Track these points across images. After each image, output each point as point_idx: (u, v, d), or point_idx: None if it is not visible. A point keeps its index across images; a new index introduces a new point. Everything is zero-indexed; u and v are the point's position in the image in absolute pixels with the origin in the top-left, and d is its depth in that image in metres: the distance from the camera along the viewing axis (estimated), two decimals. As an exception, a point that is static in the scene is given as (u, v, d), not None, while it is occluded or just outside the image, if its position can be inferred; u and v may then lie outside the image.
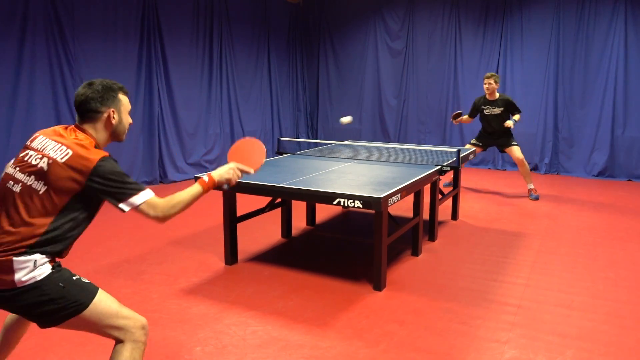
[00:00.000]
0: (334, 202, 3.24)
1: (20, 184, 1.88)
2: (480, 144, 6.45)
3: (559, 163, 8.15)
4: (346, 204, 3.22)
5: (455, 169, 4.63)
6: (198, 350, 2.71)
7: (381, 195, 3.15)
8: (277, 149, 5.41)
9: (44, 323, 1.86)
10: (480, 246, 4.47)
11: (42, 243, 1.82)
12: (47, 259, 1.84)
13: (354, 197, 3.19)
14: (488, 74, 6.16)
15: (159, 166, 7.25)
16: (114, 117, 2.02)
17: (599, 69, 7.70)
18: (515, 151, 6.20)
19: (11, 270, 1.76)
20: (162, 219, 1.99)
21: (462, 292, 3.48)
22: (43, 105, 5.69)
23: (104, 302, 1.92)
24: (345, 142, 6.13)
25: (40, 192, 1.85)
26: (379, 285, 3.49)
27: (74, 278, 1.89)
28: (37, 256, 1.80)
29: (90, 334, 2.82)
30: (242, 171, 2.24)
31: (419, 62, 9.14)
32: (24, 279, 1.77)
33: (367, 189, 3.37)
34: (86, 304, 1.86)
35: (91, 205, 1.94)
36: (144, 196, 1.95)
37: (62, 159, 1.87)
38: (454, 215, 5.35)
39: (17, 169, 1.92)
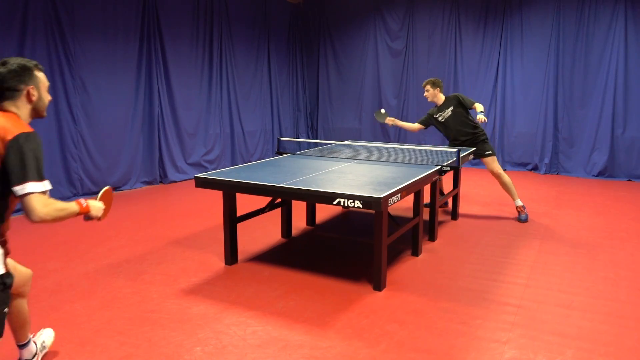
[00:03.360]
0: (334, 202, 3.24)
1: None
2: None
3: (559, 163, 8.15)
4: (346, 204, 3.22)
5: (455, 169, 4.63)
6: (198, 350, 2.71)
7: (381, 195, 3.15)
8: (277, 149, 5.41)
9: None
10: (480, 246, 4.47)
11: None
12: None
13: (354, 197, 3.19)
14: (424, 83, 5.52)
15: (159, 166, 7.25)
16: (33, 94, 2.09)
17: (599, 69, 7.70)
18: (490, 162, 5.37)
19: None
20: (42, 219, 1.92)
21: (462, 292, 3.48)
22: (43, 105, 5.68)
23: None
24: (345, 142, 6.13)
25: None
26: (379, 285, 3.49)
27: None
28: None
29: (90, 335, 2.81)
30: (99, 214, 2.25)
31: (419, 62, 9.15)
32: None
33: (367, 189, 3.37)
34: None
35: (3, 184, 1.92)
36: (41, 188, 1.92)
37: None
38: (454, 215, 5.35)
39: None
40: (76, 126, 6.08)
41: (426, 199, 5.42)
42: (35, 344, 2.58)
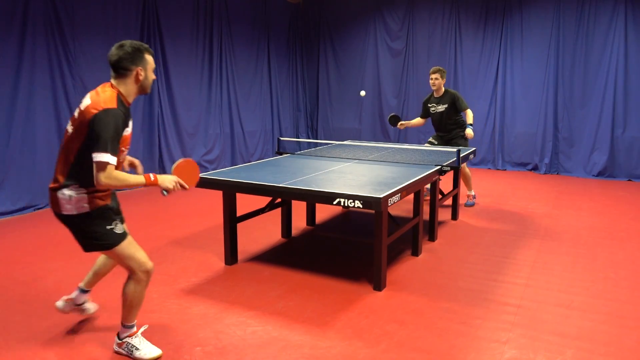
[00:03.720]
0: (334, 202, 3.24)
1: (68, 133, 2.38)
2: (436, 143, 5.85)
3: (559, 163, 8.15)
4: (346, 204, 3.22)
5: (455, 169, 4.63)
6: (198, 350, 2.71)
7: (381, 195, 3.15)
8: (277, 149, 5.41)
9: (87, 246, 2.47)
10: (480, 246, 4.47)
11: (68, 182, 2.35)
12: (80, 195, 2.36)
13: (354, 197, 3.19)
14: (433, 69, 5.61)
15: (159, 166, 7.25)
16: (141, 74, 2.43)
17: (599, 69, 7.70)
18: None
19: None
20: (103, 185, 2.29)
21: (462, 292, 3.48)
22: (43, 105, 5.69)
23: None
24: (345, 142, 6.13)
25: (70, 134, 2.35)
26: (379, 285, 3.49)
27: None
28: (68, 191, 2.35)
29: (90, 335, 2.82)
30: (181, 186, 2.60)
31: (419, 62, 9.14)
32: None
33: (367, 189, 3.37)
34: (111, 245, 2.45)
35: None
36: (107, 159, 2.26)
37: (83, 106, 2.33)
38: (454, 215, 5.35)
39: (69, 122, 2.40)
40: (76, 126, 6.08)
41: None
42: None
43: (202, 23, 7.76)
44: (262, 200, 5.35)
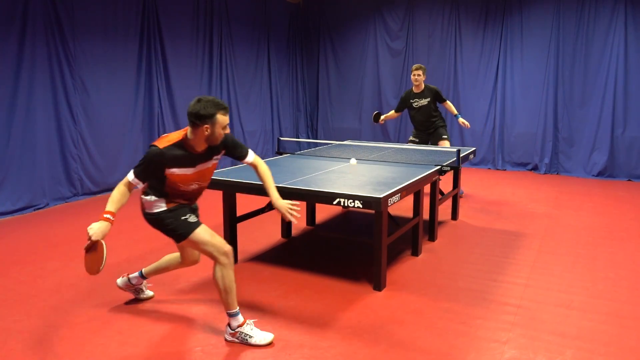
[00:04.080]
0: (334, 202, 3.24)
1: None
2: (417, 140, 6.21)
3: (559, 163, 8.15)
4: (346, 204, 3.22)
5: (455, 169, 4.63)
6: (198, 350, 2.71)
7: (381, 195, 3.15)
8: (277, 149, 5.41)
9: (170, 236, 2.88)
10: (480, 246, 4.47)
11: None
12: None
13: (354, 197, 3.19)
14: (416, 66, 6.00)
15: (159, 166, 7.24)
16: (206, 130, 2.69)
17: (599, 69, 7.70)
18: (444, 144, 6.01)
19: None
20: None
21: (462, 292, 3.48)
22: (43, 105, 5.69)
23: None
24: (345, 142, 6.13)
25: None
26: (379, 285, 3.49)
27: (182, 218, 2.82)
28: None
29: (90, 335, 2.82)
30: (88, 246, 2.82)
31: (419, 62, 9.13)
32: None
33: (367, 189, 3.37)
34: (187, 232, 2.80)
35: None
36: (129, 175, 2.81)
37: None
38: (454, 215, 5.35)
39: None
40: (76, 126, 6.08)
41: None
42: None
43: (202, 23, 7.76)
44: (262, 200, 5.34)
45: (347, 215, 5.55)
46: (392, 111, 6.38)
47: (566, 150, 8.08)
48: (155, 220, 2.92)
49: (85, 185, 6.21)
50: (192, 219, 2.85)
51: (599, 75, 7.70)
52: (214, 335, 2.87)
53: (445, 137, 6.10)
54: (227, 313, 2.79)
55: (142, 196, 2.94)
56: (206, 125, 2.67)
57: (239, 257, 4.11)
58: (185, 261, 3.19)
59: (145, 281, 3.30)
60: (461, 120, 6.01)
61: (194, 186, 2.90)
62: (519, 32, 8.23)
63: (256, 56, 8.94)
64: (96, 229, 2.68)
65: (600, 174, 7.76)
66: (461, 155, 4.79)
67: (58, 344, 2.75)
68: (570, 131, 8.03)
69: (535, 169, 8.30)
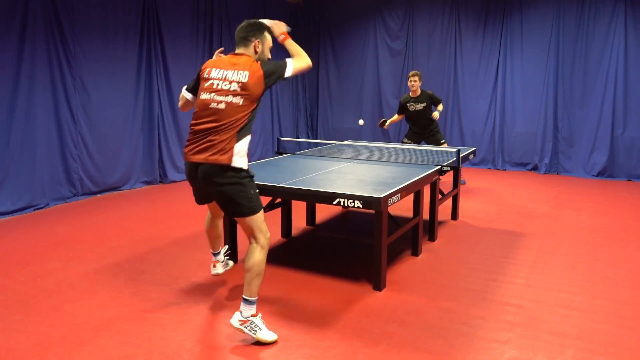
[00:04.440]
0: (334, 202, 3.24)
1: (224, 103, 2.69)
2: (411, 142, 6.69)
3: (559, 163, 8.15)
4: (346, 204, 3.22)
5: (455, 169, 4.63)
6: (198, 350, 2.71)
7: (381, 195, 3.15)
8: (277, 149, 5.41)
9: (232, 213, 2.78)
10: (480, 246, 4.47)
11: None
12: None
13: (354, 197, 3.19)
14: (413, 72, 6.46)
15: (159, 166, 7.25)
16: (258, 47, 2.84)
17: (599, 69, 7.70)
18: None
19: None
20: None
21: (462, 292, 3.48)
22: (43, 105, 5.69)
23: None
24: (345, 142, 6.13)
25: (239, 105, 2.70)
26: (379, 285, 3.49)
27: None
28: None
29: (90, 335, 2.82)
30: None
31: (419, 62, 9.14)
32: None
33: (367, 189, 3.37)
34: (254, 210, 2.76)
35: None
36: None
37: (245, 79, 2.70)
38: (454, 215, 5.35)
39: (214, 94, 2.71)
40: (76, 126, 6.08)
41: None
42: (222, 254, 3.48)
43: (202, 23, 7.76)
44: (262, 200, 5.34)
45: (347, 215, 5.55)
46: (396, 115, 6.79)
47: (566, 150, 8.08)
48: (238, 183, 2.70)
49: (85, 185, 6.21)
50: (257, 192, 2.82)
51: (599, 75, 7.70)
52: (214, 335, 2.87)
53: (443, 141, 6.60)
54: (245, 299, 2.72)
55: (229, 145, 2.66)
56: (257, 40, 2.82)
57: (239, 257, 4.11)
58: (216, 218, 3.29)
59: (221, 253, 3.45)
60: (435, 113, 6.38)
61: None
62: (519, 32, 8.23)
63: (256, 56, 8.93)
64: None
65: (600, 174, 7.77)
66: (461, 155, 4.79)
67: (58, 344, 2.75)
68: (570, 131, 8.03)
69: (535, 169, 8.30)
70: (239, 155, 2.70)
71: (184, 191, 6.73)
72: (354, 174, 4.00)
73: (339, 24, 9.87)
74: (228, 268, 3.53)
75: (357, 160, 4.73)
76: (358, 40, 9.70)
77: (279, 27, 3.03)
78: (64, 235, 4.75)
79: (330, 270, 3.87)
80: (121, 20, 6.50)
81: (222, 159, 2.65)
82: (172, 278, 3.70)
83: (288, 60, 2.86)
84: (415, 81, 6.41)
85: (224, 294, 3.44)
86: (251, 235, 2.77)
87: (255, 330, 2.74)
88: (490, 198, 6.36)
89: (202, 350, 2.71)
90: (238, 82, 2.70)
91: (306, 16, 10.15)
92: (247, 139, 2.76)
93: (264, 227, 2.79)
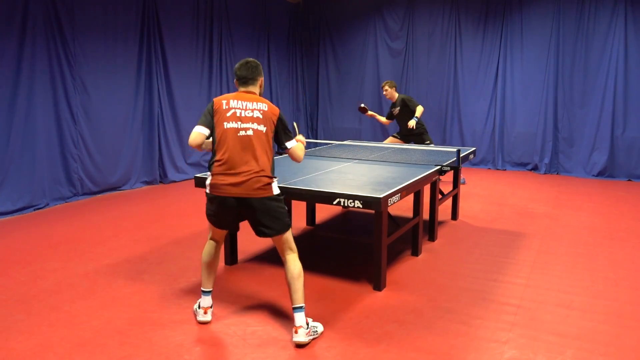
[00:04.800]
0: (334, 202, 3.24)
1: (251, 130, 2.81)
2: (399, 137, 6.92)
3: (559, 163, 8.15)
4: (346, 204, 3.22)
5: (455, 169, 4.63)
6: (198, 350, 2.71)
7: (381, 195, 3.15)
8: (277, 149, 5.41)
9: (271, 230, 2.85)
10: (480, 246, 4.47)
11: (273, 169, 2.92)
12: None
13: (354, 197, 3.19)
14: (384, 82, 6.78)
15: (159, 166, 7.25)
16: (262, 83, 3.04)
17: (599, 69, 7.70)
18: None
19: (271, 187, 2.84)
20: (301, 159, 3.11)
21: (462, 292, 3.48)
22: (43, 105, 5.69)
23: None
24: (345, 142, 6.13)
25: (263, 132, 2.85)
26: (379, 285, 3.49)
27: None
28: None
29: (90, 335, 2.82)
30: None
31: (419, 62, 9.15)
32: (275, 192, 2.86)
33: (367, 189, 3.37)
34: (290, 226, 2.91)
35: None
36: (295, 143, 3.05)
37: (265, 108, 2.88)
38: (454, 215, 5.35)
39: (239, 122, 2.81)
40: (76, 126, 6.08)
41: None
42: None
43: (202, 23, 7.76)
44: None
45: (347, 215, 5.55)
46: (384, 117, 6.96)
47: (566, 150, 8.08)
48: (278, 202, 2.87)
49: (85, 185, 6.21)
50: None
51: (599, 75, 7.70)
52: (214, 335, 2.87)
53: (429, 142, 6.74)
54: (298, 308, 2.77)
55: (267, 174, 2.81)
56: (261, 78, 3.00)
57: (239, 257, 4.11)
58: (219, 246, 3.10)
59: (210, 298, 3.06)
60: (411, 121, 6.39)
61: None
62: (519, 32, 8.24)
63: (256, 56, 8.93)
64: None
65: (600, 174, 7.77)
66: (461, 155, 4.79)
67: (58, 344, 2.75)
68: (570, 131, 8.03)
69: (535, 169, 8.30)
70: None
71: (184, 191, 6.73)
72: (354, 174, 4.00)
73: (339, 24, 9.87)
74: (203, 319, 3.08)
75: (357, 160, 4.73)
76: (358, 40, 9.70)
77: (302, 138, 3.24)
78: (64, 235, 4.75)
79: (330, 270, 3.87)
80: (121, 20, 6.50)
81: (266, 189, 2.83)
82: (172, 278, 3.70)
83: (294, 141, 3.04)
84: (385, 90, 6.73)
85: (224, 294, 3.44)
86: (287, 248, 2.89)
87: (317, 331, 2.86)
88: (490, 198, 6.36)
89: (202, 350, 2.71)
90: (260, 110, 2.88)
91: (306, 16, 10.15)
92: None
93: (293, 240, 2.94)
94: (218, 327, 2.96)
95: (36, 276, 3.72)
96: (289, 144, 2.96)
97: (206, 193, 2.89)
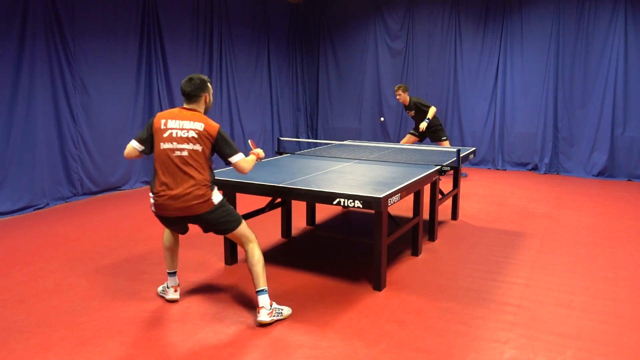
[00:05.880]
0: (334, 202, 3.24)
1: (186, 150, 2.93)
2: (417, 134, 7.37)
3: (559, 163, 8.15)
4: (346, 204, 3.22)
5: (455, 169, 4.63)
6: (198, 350, 2.71)
7: (381, 195, 3.15)
8: (277, 149, 5.41)
9: (223, 231, 3.06)
10: (480, 246, 4.47)
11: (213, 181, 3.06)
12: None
13: (354, 197, 3.19)
14: (396, 87, 7.09)
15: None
16: (207, 99, 3.11)
17: (599, 69, 7.70)
18: (444, 145, 7.13)
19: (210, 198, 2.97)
20: (248, 172, 3.17)
21: (462, 292, 3.48)
22: (43, 105, 5.69)
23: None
24: (345, 142, 6.13)
25: (199, 151, 2.95)
26: (379, 285, 3.49)
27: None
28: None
29: (90, 335, 2.83)
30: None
31: (419, 62, 9.14)
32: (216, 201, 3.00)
33: (367, 189, 3.37)
34: (240, 221, 3.09)
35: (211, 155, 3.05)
36: (241, 157, 3.08)
37: (201, 128, 2.96)
38: (454, 215, 5.35)
39: (175, 142, 2.93)
40: (76, 126, 6.08)
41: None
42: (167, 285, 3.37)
43: (202, 23, 7.76)
44: (262, 200, 5.36)
45: (347, 215, 5.55)
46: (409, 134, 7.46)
47: (566, 150, 8.08)
48: (220, 209, 3.02)
49: (85, 185, 6.21)
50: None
51: (599, 75, 7.70)
52: (214, 335, 2.87)
53: (445, 138, 7.17)
54: (261, 290, 2.97)
55: (205, 190, 2.95)
56: (207, 94, 3.06)
57: (239, 257, 4.11)
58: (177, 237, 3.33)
59: (176, 277, 3.34)
60: (422, 124, 6.97)
61: None
62: (519, 32, 8.23)
63: (256, 56, 8.94)
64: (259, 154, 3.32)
65: (600, 174, 7.77)
66: (461, 155, 4.79)
67: (58, 344, 2.75)
68: (570, 131, 8.03)
69: (535, 169, 8.30)
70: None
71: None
72: (354, 174, 4.00)
73: (339, 24, 9.87)
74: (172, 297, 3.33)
75: (357, 160, 4.73)
76: (358, 40, 9.70)
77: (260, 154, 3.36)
78: (64, 235, 4.75)
79: (330, 270, 3.87)
80: (121, 20, 6.50)
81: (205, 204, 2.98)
82: (172, 278, 3.70)
83: (240, 155, 3.08)
84: (399, 95, 7.05)
85: (224, 294, 3.44)
86: (245, 240, 3.08)
87: (281, 312, 3.03)
88: (490, 198, 6.36)
89: (202, 350, 2.71)
90: (195, 130, 2.96)
91: (306, 16, 10.15)
92: None
93: (248, 231, 3.11)
94: (218, 327, 2.96)
95: (36, 276, 3.72)
96: (232, 159, 3.03)
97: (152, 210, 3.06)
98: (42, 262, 4.01)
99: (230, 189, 3.72)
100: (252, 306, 3.23)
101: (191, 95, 3.02)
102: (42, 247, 4.40)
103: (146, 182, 7.07)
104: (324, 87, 10.16)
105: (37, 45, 5.58)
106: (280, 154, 5.14)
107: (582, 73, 7.82)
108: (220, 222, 3.01)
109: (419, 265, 4.00)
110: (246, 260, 3.06)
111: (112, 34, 6.40)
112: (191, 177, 2.91)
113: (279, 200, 4.49)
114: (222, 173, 3.95)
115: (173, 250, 3.29)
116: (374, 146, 5.84)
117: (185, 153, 2.92)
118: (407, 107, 7.23)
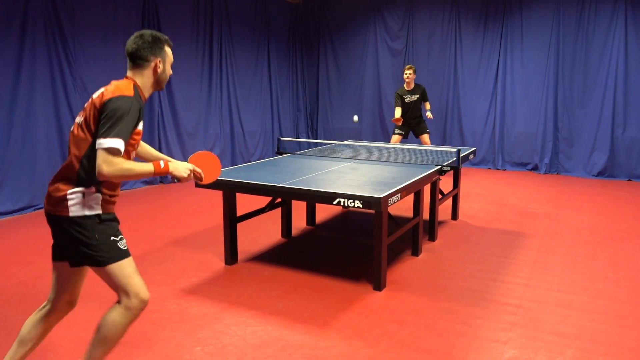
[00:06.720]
0: (334, 202, 3.24)
1: (74, 125, 2.12)
2: (402, 133, 7.24)
3: (559, 163, 8.15)
4: (346, 204, 3.22)
5: (455, 169, 4.63)
6: (198, 350, 2.71)
7: (381, 195, 3.15)
8: (277, 149, 5.41)
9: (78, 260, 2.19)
10: (480, 246, 4.47)
11: (80, 177, 2.07)
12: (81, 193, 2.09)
13: (354, 197, 3.19)
14: (408, 66, 7.00)
15: (159, 166, 7.23)
16: (159, 66, 2.18)
17: (599, 69, 7.70)
18: (426, 138, 7.24)
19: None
20: (106, 175, 1.96)
21: (462, 292, 3.48)
22: (43, 105, 5.68)
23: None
24: (345, 142, 6.13)
25: (80, 124, 2.06)
26: (379, 285, 3.49)
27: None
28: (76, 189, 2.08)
29: (90, 335, 2.83)
30: (195, 175, 2.30)
31: (419, 62, 9.14)
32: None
33: (367, 189, 3.37)
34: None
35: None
36: (118, 144, 1.95)
37: (95, 95, 2.07)
38: (454, 215, 5.35)
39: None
40: (76, 126, 6.08)
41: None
42: None
43: (202, 23, 7.76)
44: (262, 200, 5.35)
45: (347, 215, 5.55)
46: (398, 109, 7.00)
47: (566, 150, 8.08)
48: (75, 228, 2.12)
49: (85, 185, 6.20)
50: (122, 244, 2.14)
51: (599, 75, 7.69)
52: (214, 335, 2.87)
53: (428, 130, 7.30)
54: None
55: (60, 186, 2.09)
56: (158, 59, 2.16)
57: (239, 257, 4.12)
58: (60, 306, 2.28)
59: None
60: (430, 114, 7.13)
61: (133, 154, 2.22)
62: (519, 32, 8.23)
63: (256, 56, 8.94)
64: (181, 169, 2.22)
65: (600, 174, 7.77)
66: (461, 155, 4.78)
67: (58, 344, 2.75)
68: (570, 131, 8.03)
69: (535, 168, 8.30)
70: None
71: (184, 191, 6.73)
72: (354, 174, 4.00)
73: (339, 24, 9.87)
74: None
75: (357, 160, 4.73)
76: (358, 40, 9.70)
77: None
78: (64, 235, 4.75)
79: (330, 270, 3.87)
80: (121, 20, 6.50)
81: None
82: (172, 278, 3.70)
83: (117, 142, 1.95)
84: (410, 74, 6.90)
85: (224, 293, 3.44)
86: (115, 289, 2.18)
87: None
88: (490, 198, 6.36)
89: (202, 350, 2.71)
90: (91, 98, 2.12)
91: (306, 16, 10.15)
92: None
93: (138, 282, 2.16)
94: (218, 327, 2.96)
95: (36, 276, 3.72)
96: (100, 141, 1.93)
97: None
98: (42, 262, 4.01)
99: (230, 189, 3.72)
100: (252, 306, 3.23)
101: (134, 57, 2.13)
102: (42, 247, 4.40)
103: (146, 182, 7.07)
104: (324, 87, 10.16)
105: (37, 45, 5.57)
106: (280, 154, 5.14)
107: (582, 73, 7.82)
108: (71, 244, 2.23)
109: (419, 265, 4.00)
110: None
111: (112, 34, 6.40)
112: (65, 162, 2.12)
113: (279, 200, 4.49)
114: (222, 173, 3.95)
115: (27, 334, 2.25)
116: (374, 146, 5.84)
117: (73, 128, 2.11)
118: (411, 91, 7.01)
